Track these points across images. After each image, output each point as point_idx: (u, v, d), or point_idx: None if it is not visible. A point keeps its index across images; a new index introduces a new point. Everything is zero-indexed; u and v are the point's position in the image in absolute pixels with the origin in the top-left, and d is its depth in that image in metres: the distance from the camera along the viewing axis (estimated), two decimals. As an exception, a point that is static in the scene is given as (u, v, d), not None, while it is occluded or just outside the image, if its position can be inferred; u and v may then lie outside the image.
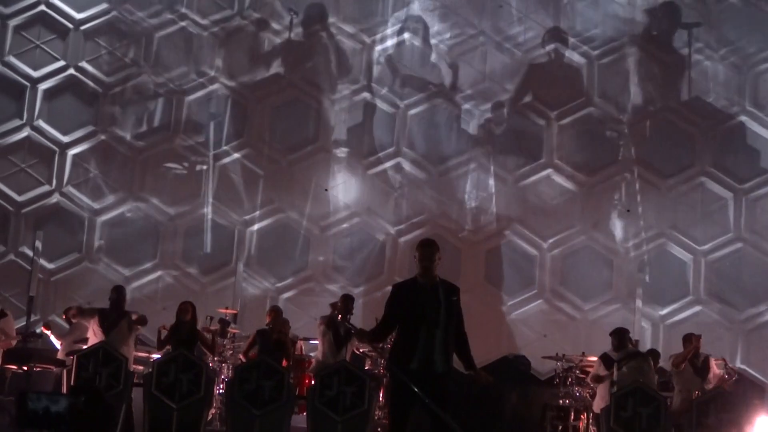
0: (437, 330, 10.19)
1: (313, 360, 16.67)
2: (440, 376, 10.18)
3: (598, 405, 15.34)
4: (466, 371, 10.50)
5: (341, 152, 20.66)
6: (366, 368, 16.24)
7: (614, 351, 15.57)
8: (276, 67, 21.01)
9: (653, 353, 16.72)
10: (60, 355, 16.31)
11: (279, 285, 20.12)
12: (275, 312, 16.83)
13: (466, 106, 20.70)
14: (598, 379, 15.62)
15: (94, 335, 15.46)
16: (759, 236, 20.05)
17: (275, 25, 21.15)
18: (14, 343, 16.81)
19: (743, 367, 18.95)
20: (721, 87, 20.68)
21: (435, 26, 21.08)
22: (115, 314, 15.71)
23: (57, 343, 16.89)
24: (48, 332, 17.15)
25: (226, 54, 21.07)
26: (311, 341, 17.25)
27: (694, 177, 20.26)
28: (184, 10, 21.18)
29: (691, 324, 19.04)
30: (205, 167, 20.55)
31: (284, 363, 15.69)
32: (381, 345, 15.24)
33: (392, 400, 10.49)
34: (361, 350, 16.66)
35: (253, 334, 16.43)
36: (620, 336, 15.73)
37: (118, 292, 16.04)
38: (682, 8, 20.89)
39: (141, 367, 16.22)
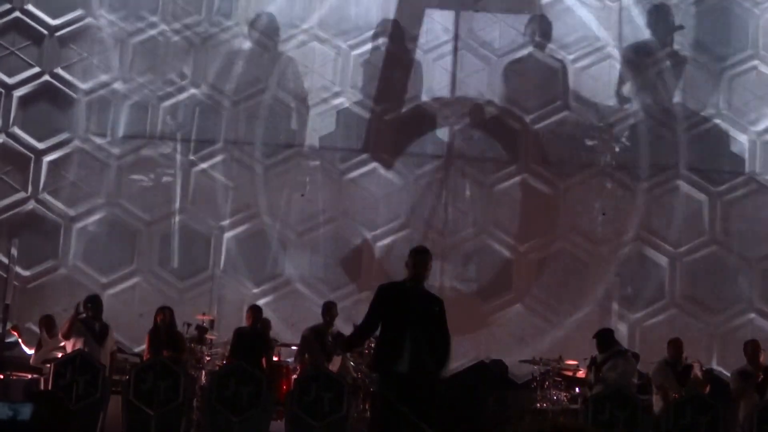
0: (424, 332, 10.26)
1: (290, 366, 16.68)
2: (431, 377, 10.24)
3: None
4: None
5: (316, 157, 20.65)
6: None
7: (600, 353, 15.60)
8: (249, 73, 20.97)
9: (633, 356, 16.78)
10: (34, 363, 16.26)
11: (256, 291, 20.07)
12: (254, 310, 16.78)
13: (442, 110, 20.74)
14: (587, 384, 15.66)
15: (80, 346, 15.29)
16: (733, 238, 20.14)
17: (244, 30, 21.11)
18: None
19: (720, 369, 19.01)
20: (697, 90, 20.78)
21: (411, 30, 21.09)
22: (100, 324, 15.67)
23: (27, 349, 16.83)
24: (16, 335, 17.08)
25: (198, 60, 21.03)
26: (292, 347, 17.23)
27: (670, 180, 20.35)
28: (154, 17, 21.09)
29: (666, 327, 19.13)
30: (171, 178, 20.48)
31: (263, 361, 15.71)
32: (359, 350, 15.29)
33: (379, 403, 10.53)
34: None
35: (233, 335, 16.42)
36: (602, 337, 15.74)
37: (95, 302, 15.93)
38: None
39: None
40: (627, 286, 19.94)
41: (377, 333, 10.83)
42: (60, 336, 15.71)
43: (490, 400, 18.26)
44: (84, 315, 15.69)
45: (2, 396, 15.58)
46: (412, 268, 10.52)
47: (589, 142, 20.61)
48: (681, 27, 20.90)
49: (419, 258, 10.58)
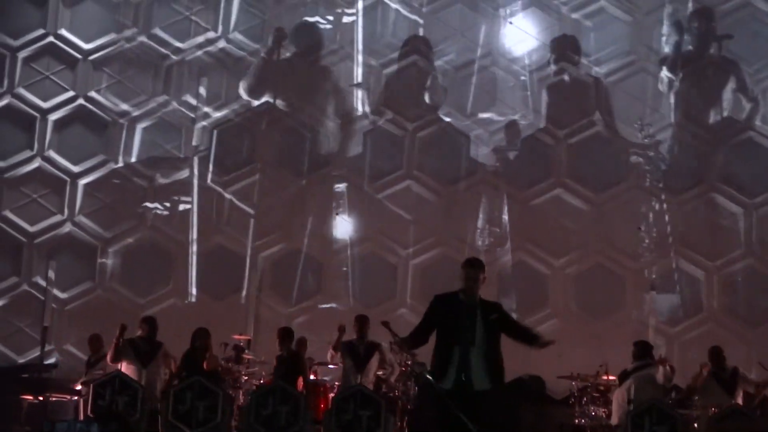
0: (473, 348, 10.25)
1: (327, 384, 16.71)
2: (477, 395, 10.22)
3: (612, 419, 15.41)
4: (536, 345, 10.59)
5: (347, 176, 20.70)
6: (382, 391, 16.23)
7: (632, 362, 15.59)
8: (282, 93, 21.08)
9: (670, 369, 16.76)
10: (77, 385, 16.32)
11: (291, 310, 20.12)
12: (281, 333, 16.75)
13: (475, 128, 20.77)
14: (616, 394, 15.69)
15: (126, 367, 15.37)
16: (769, 251, 20.08)
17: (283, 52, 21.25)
18: None
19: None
20: (728, 102, 20.72)
21: (439, 46, 21.16)
22: (149, 346, 15.69)
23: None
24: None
25: (232, 80, 21.18)
26: (330, 365, 17.27)
27: (705, 193, 20.28)
28: (186, 42, 21.28)
29: (705, 340, 19.02)
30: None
31: (299, 381, 15.75)
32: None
33: (421, 413, 10.59)
34: (381, 373, 16.68)
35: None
36: (639, 347, 15.74)
37: (150, 323, 15.95)
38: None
39: None
40: (664, 301, 19.85)
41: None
42: (107, 360, 15.68)
43: (529, 417, 18.17)
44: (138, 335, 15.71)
45: (42, 418, 15.69)
46: (464, 280, 10.51)
47: (623, 157, 20.55)
48: (729, 36, 20.76)
49: (470, 270, 10.53)
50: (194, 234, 20.48)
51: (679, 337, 19.76)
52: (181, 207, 20.73)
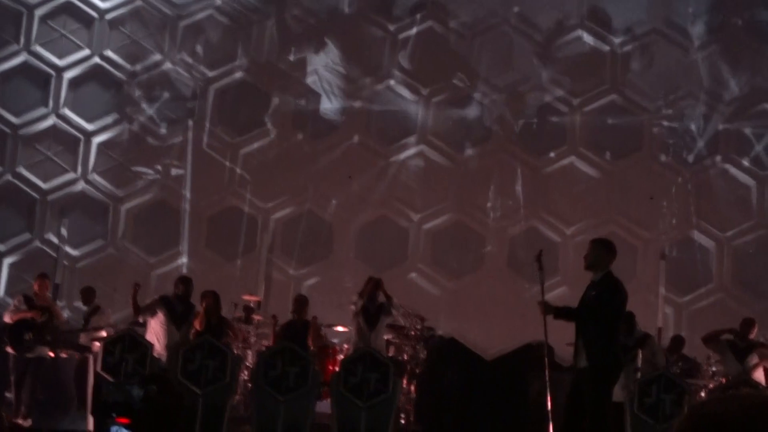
0: (582, 326, 10.59)
1: (336, 347, 16.81)
2: (582, 372, 10.53)
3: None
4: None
5: (363, 139, 20.70)
6: (390, 355, 16.32)
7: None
8: (295, 53, 21.03)
9: (677, 339, 16.80)
10: (83, 341, 16.34)
11: (302, 272, 20.18)
12: (299, 301, 16.84)
13: (490, 94, 20.72)
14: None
15: (158, 328, 15.27)
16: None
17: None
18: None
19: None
20: (746, 72, 20.62)
21: (455, 12, 21.06)
22: (185, 307, 15.50)
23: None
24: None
25: (245, 41, 21.13)
26: (338, 328, 17.34)
27: (719, 164, 20.24)
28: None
29: (714, 311, 19.05)
30: (220, 159, 20.57)
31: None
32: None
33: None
34: (391, 336, 16.77)
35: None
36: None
37: (186, 283, 15.69)
38: None
39: None
40: (674, 270, 19.85)
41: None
42: (139, 317, 15.58)
43: (537, 384, 18.22)
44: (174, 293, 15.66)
45: (54, 374, 15.77)
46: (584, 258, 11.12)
47: (638, 126, 20.52)
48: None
49: (590, 248, 11.04)
50: (197, 195, 20.48)
51: (687, 306, 19.78)
52: (191, 169, 20.73)
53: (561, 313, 11.50)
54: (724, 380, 15.30)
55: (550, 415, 12.37)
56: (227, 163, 20.63)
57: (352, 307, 16.41)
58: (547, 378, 12.66)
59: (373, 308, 16.18)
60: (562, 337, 18.49)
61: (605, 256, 11.38)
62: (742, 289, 19.79)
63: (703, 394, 15.28)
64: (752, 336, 15.75)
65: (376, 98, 20.84)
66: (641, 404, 13.73)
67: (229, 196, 20.61)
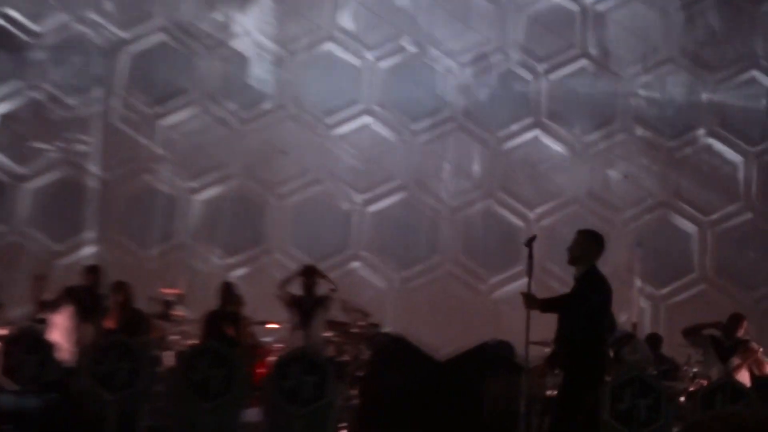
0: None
1: (268, 347, 16.68)
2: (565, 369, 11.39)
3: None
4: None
5: (300, 110, 20.55)
6: (329, 356, 16.18)
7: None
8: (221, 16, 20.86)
9: (654, 337, 16.76)
10: None
11: (229, 261, 20.02)
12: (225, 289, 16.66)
13: (443, 59, 20.64)
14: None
15: (66, 324, 15.11)
16: (772, 204, 20.16)
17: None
18: None
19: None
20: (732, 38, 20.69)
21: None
22: (93, 300, 15.38)
23: None
24: None
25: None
26: (271, 326, 17.21)
27: (701, 138, 20.28)
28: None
29: (695, 304, 19.10)
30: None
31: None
32: None
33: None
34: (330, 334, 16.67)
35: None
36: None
37: (95, 272, 15.69)
38: None
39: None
40: (651, 259, 19.84)
41: None
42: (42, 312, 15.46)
43: (494, 387, 18.13)
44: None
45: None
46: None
47: (611, 95, 20.51)
48: None
49: (576, 239, 11.11)
50: (109, 174, 20.25)
51: (665, 299, 19.82)
52: (102, 143, 20.46)
53: (548, 305, 11.43)
54: (705, 382, 15.25)
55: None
56: (142, 138, 20.36)
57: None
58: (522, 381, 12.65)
59: (308, 301, 16.02)
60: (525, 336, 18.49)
61: (592, 250, 11.36)
62: (727, 280, 19.85)
63: (682, 399, 15.23)
64: (740, 334, 15.69)
65: (313, 63, 20.68)
66: (613, 410, 13.67)
67: (145, 175, 20.35)
